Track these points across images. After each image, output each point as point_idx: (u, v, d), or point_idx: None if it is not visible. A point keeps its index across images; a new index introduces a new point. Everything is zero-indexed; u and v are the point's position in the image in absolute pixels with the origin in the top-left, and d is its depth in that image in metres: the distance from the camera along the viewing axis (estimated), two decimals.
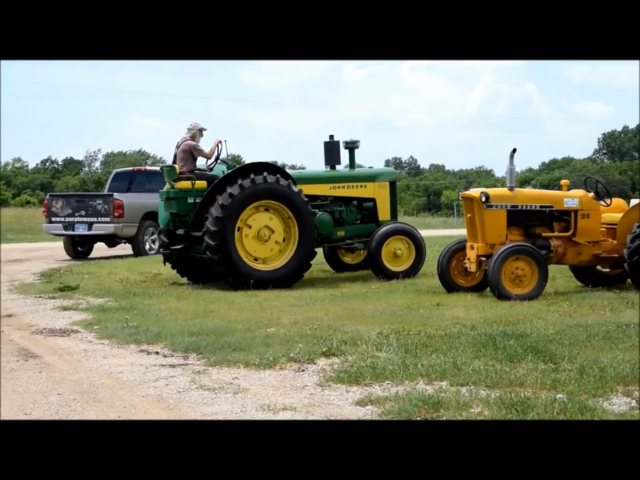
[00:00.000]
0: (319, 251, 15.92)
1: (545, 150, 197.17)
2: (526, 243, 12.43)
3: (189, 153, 15.30)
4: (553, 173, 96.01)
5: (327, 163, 16.52)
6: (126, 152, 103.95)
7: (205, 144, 15.64)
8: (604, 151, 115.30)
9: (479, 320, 9.78)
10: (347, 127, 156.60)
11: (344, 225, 16.01)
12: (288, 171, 15.26)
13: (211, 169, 15.64)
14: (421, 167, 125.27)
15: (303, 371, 7.61)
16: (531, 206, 12.77)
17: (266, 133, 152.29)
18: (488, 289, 12.22)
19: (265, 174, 14.44)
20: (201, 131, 15.57)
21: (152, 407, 6.49)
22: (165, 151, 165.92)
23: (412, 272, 15.41)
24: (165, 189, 15.77)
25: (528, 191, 13.15)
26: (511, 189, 12.72)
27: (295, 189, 14.65)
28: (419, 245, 15.59)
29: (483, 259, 12.31)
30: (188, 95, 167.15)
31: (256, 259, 14.51)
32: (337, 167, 16.56)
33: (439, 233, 32.15)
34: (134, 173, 24.30)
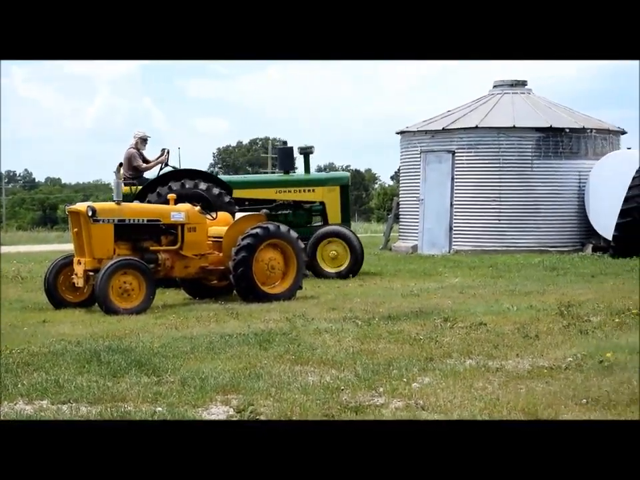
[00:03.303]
0: None
1: None
2: (134, 257, 12.48)
3: (128, 161, 16.35)
4: None
5: (280, 168, 17.80)
6: None
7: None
8: (219, 165, 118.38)
9: (86, 335, 9.71)
10: None
11: (292, 227, 15.88)
12: (231, 175, 16.15)
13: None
14: (37, 180, 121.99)
15: None
16: (138, 220, 12.84)
17: None
18: (97, 304, 12.14)
19: (198, 180, 15.66)
20: (142, 139, 16.56)
21: None
22: None
23: (350, 272, 16.72)
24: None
25: (136, 205, 13.18)
26: (118, 202, 12.74)
27: (225, 198, 15.64)
28: (353, 247, 16.77)
29: (91, 273, 12.21)
30: None
31: None
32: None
33: (55, 247, 30.93)
34: None
